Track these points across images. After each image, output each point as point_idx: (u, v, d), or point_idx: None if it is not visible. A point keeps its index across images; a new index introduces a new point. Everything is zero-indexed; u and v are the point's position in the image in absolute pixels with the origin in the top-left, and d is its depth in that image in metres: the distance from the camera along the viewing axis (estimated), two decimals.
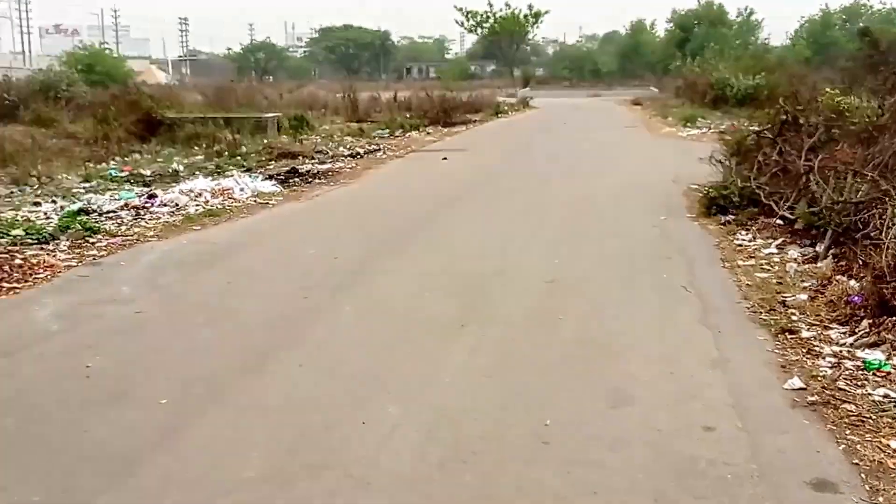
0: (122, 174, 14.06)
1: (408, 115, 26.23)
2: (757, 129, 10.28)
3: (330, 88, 37.75)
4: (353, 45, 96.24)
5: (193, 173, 14.25)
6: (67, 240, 8.19)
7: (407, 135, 22.49)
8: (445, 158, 16.35)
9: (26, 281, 6.42)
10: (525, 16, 68.24)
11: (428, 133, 23.51)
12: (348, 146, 18.83)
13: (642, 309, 5.55)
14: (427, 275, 6.62)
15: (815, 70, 36.68)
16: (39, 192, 12.13)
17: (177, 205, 10.42)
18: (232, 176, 12.92)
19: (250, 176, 13.02)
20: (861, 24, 61.99)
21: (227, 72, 69.34)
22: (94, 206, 10.28)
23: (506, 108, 35.69)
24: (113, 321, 5.39)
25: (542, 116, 33.00)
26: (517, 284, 6.28)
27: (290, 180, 13.07)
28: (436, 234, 8.49)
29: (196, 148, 17.65)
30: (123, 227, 9.07)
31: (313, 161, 15.93)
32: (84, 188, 12.46)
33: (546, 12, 69.21)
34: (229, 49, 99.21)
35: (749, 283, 6.17)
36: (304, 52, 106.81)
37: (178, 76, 74.66)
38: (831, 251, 6.57)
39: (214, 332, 5.19)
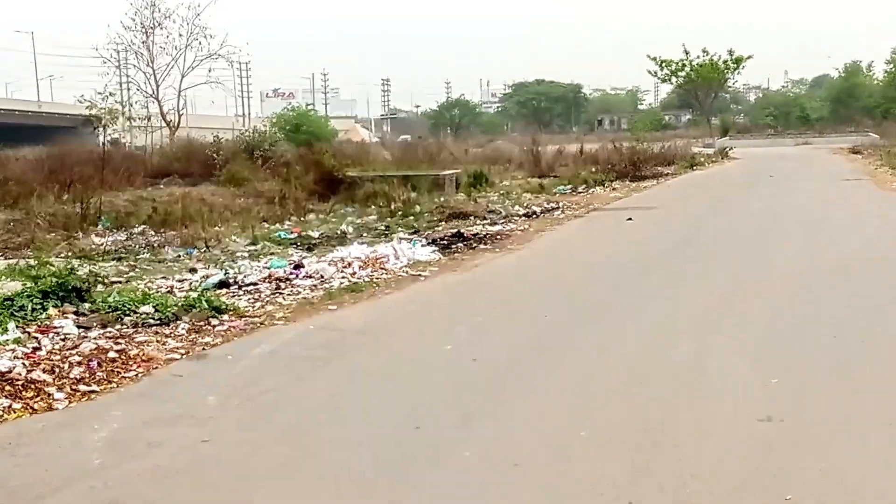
0: (291, 236, 13.61)
1: (593, 170, 24.52)
2: None
3: (519, 142, 36.95)
4: (544, 98, 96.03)
5: (361, 235, 13.58)
6: (189, 321, 7.34)
7: (590, 191, 20.80)
8: (630, 219, 14.43)
9: (110, 382, 5.46)
10: (725, 62, 63.93)
11: (614, 188, 21.65)
12: (525, 204, 17.48)
13: None
14: (588, 397, 4.89)
15: None
16: (204, 255, 11.80)
17: (322, 276, 9.45)
18: (391, 241, 11.90)
19: (411, 241, 11.94)
20: None
21: (424, 128, 71.47)
22: (239, 277, 9.57)
23: (702, 159, 32.93)
24: (168, 456, 4.18)
25: (744, 168, 29.86)
26: (716, 423, 4.36)
27: (453, 245, 11.85)
28: (607, 328, 6.69)
29: (372, 207, 17.19)
30: (258, 304, 8.17)
31: (484, 222, 14.72)
32: (248, 252, 12.00)
33: (748, 57, 64.30)
34: (417, 106, 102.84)
35: None
36: (498, 107, 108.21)
37: (380, 133, 78.08)
38: None
39: (280, 487, 3.81)
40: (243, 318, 7.49)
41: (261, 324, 7.29)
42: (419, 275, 9.58)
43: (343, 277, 9.40)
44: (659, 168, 27.04)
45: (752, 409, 4.52)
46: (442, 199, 17.95)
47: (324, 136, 36.33)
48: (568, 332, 6.61)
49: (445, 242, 12.08)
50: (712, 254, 10.50)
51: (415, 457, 4.09)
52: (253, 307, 8.02)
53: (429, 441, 4.28)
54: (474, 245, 11.95)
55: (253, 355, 6.18)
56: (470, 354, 5.91)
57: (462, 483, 3.76)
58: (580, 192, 20.34)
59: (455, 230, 13.26)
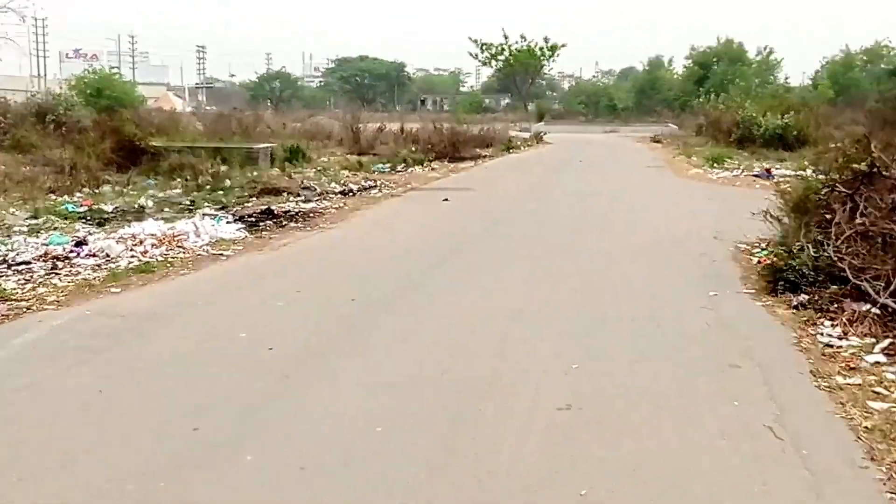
0: (80, 209, 12.29)
1: (413, 149, 24.42)
2: (823, 177, 8.23)
3: (341, 118, 36.15)
4: (368, 75, 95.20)
5: (162, 210, 12.54)
6: None
7: (409, 170, 20.68)
8: (447, 199, 14.43)
9: None
10: (541, 49, 66.51)
11: (433, 168, 21.67)
12: (342, 181, 17.01)
13: (714, 477, 3.51)
14: (389, 387, 4.60)
15: (839, 111, 34.94)
16: None
17: (107, 255, 8.53)
18: (193, 218, 11.03)
19: (215, 218, 11.14)
20: (883, 66, 60.22)
21: (242, 100, 68.35)
22: (9, 255, 8.44)
23: (518, 142, 33.89)
24: None
25: (556, 153, 31.08)
26: (516, 411, 4.23)
27: (262, 223, 11.21)
28: (415, 312, 6.46)
29: (177, 180, 15.98)
30: (28, 286, 7.18)
31: (298, 199, 14.12)
32: (27, 226, 10.66)
33: (562, 46, 67.43)
34: (233, 76, 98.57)
35: (867, 421, 4.10)
36: (320, 82, 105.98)
37: (195, 103, 73.89)
38: None
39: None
40: (7, 303, 6.54)
41: (28, 308, 6.41)
42: (221, 254, 8.93)
43: (133, 256, 8.57)
44: (477, 150, 27.42)
45: (552, 396, 4.42)
46: (255, 173, 17.06)
47: (129, 103, 33.63)
48: (374, 316, 6.29)
49: (253, 220, 11.46)
50: (523, 237, 10.62)
51: (189, 462, 3.60)
52: (22, 289, 7.06)
53: (207, 443, 3.80)
54: (285, 223, 11.41)
55: (11, 346, 5.36)
56: (266, 343, 5.44)
57: (239, 491, 3.33)
58: (399, 171, 20.16)
59: (265, 207, 12.61)
